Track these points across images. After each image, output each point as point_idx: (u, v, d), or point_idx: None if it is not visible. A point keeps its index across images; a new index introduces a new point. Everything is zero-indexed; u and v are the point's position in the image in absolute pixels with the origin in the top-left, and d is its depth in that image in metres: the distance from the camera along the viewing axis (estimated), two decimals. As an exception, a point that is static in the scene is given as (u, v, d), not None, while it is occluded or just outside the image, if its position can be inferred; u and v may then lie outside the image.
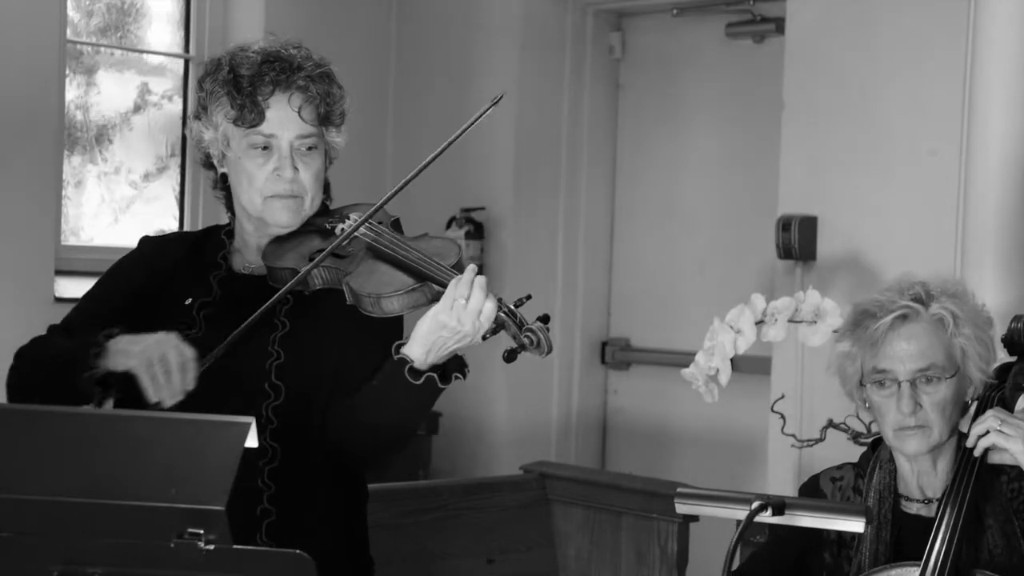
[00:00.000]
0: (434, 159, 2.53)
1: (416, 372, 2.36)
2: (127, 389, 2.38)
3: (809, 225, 4.49)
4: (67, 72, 5.10)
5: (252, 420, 1.82)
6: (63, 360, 2.41)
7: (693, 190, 5.53)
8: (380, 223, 2.56)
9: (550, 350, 2.32)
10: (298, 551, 1.79)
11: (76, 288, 4.83)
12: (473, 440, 5.51)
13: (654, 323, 5.63)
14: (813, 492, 2.70)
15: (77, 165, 5.24)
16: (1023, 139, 4.05)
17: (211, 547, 1.76)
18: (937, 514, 2.47)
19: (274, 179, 2.50)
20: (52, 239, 4.95)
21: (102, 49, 5.30)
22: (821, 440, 3.27)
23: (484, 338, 2.33)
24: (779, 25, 5.01)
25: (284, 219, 2.53)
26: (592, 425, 5.76)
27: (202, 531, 1.76)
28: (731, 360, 3.26)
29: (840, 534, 2.61)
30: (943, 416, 2.53)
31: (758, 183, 5.11)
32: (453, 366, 2.41)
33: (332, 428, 2.46)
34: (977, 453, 2.44)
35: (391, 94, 5.80)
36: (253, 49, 2.54)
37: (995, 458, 2.45)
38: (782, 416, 3.32)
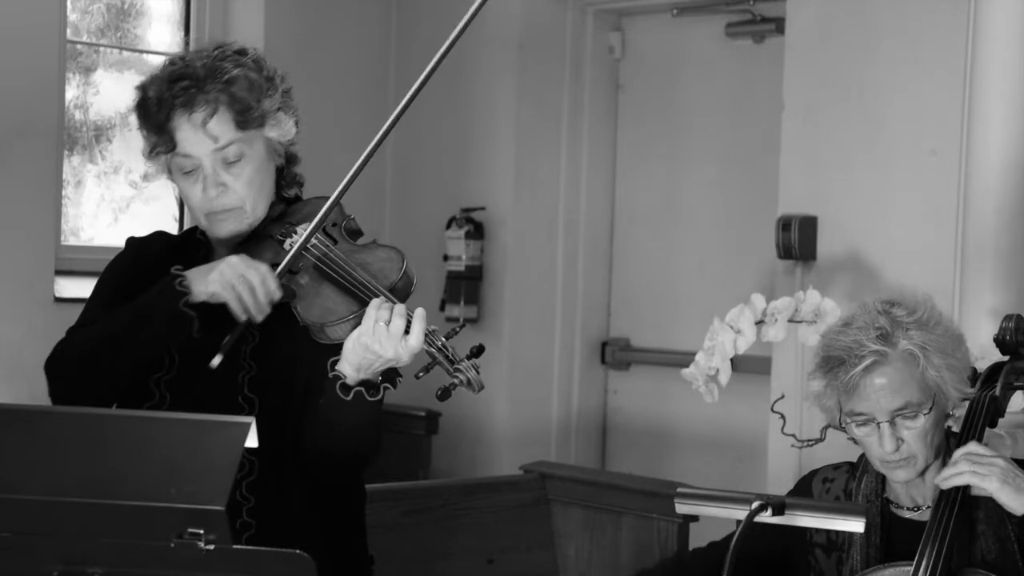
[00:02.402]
0: (423, 84, 2.49)
1: (347, 388, 2.34)
2: (205, 320, 2.42)
3: (809, 225, 4.49)
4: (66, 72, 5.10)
5: (252, 420, 1.81)
6: (149, 305, 2.42)
7: (693, 190, 5.53)
8: (335, 225, 2.53)
9: (481, 388, 2.29)
10: (298, 551, 1.79)
11: (76, 288, 4.83)
12: (473, 440, 5.51)
13: (654, 323, 5.63)
14: (804, 490, 2.71)
15: (76, 165, 5.24)
16: (1023, 139, 4.05)
17: (211, 547, 1.76)
18: (929, 520, 2.47)
19: (205, 198, 2.48)
20: (52, 239, 4.95)
21: (101, 49, 5.30)
22: (821, 440, 3.26)
23: (418, 376, 2.31)
24: (779, 25, 5.01)
25: (225, 230, 2.51)
26: (592, 425, 5.76)
27: (202, 531, 1.76)
28: (731, 360, 3.27)
29: (828, 537, 2.62)
30: (925, 444, 2.52)
31: (758, 183, 5.11)
32: (384, 377, 2.38)
33: (301, 441, 2.46)
34: (944, 486, 2.43)
35: (391, 94, 5.79)
36: (167, 64, 2.50)
37: (975, 491, 2.44)
38: (782, 416, 3.32)
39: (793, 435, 3.34)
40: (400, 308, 2.31)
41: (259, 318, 2.39)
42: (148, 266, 2.58)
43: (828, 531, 2.60)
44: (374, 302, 2.33)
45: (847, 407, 2.54)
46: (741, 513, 2.39)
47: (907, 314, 2.54)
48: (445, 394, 2.27)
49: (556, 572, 3.77)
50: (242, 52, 2.52)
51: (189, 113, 2.44)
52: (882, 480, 2.62)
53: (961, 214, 4.17)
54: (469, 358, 2.29)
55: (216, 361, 2.37)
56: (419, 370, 2.32)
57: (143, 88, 2.50)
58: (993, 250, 4.08)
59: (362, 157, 2.49)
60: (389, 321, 2.29)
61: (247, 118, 2.46)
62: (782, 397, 3.52)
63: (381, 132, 2.52)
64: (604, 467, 5.69)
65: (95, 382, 2.44)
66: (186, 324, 2.41)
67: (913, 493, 2.60)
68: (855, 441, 2.93)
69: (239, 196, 2.48)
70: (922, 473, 2.56)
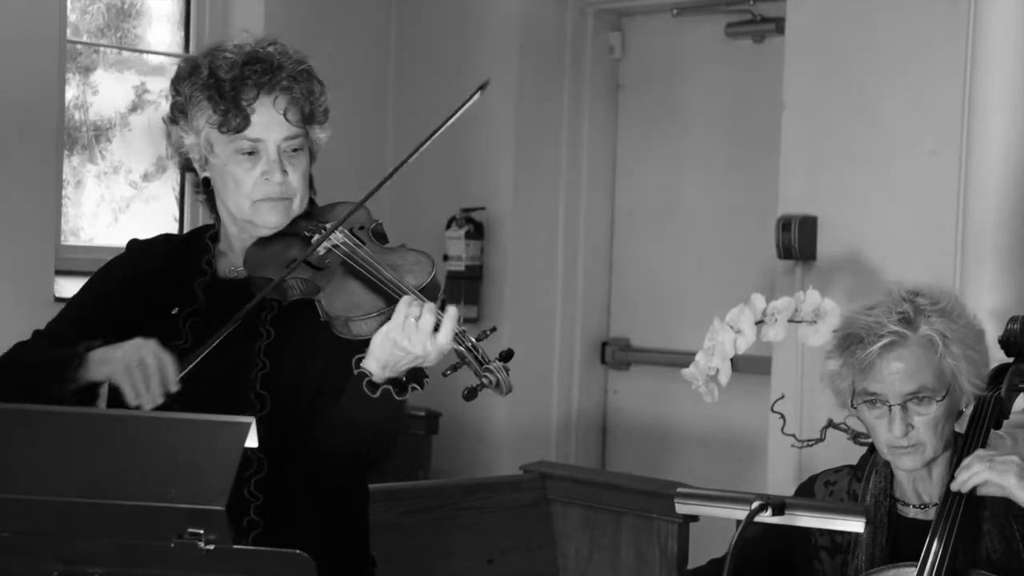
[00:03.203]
0: (414, 153, 2.49)
1: (373, 386, 2.32)
2: (110, 397, 2.39)
3: (809, 225, 4.49)
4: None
5: (252, 420, 1.81)
6: (44, 371, 2.40)
7: (693, 190, 5.52)
8: (362, 227, 2.53)
9: (509, 390, 2.25)
10: (298, 551, 1.79)
11: (76, 288, 4.81)
12: (473, 440, 5.51)
13: (654, 323, 5.63)
14: (806, 495, 2.69)
15: (76, 165, 5.24)
16: (1023, 139, 4.05)
17: (211, 547, 1.76)
18: (934, 518, 2.47)
19: (263, 183, 2.47)
20: (52, 239, 4.95)
21: (101, 49, 5.30)
22: (821, 440, 3.26)
23: (445, 374, 2.29)
24: (779, 25, 5.01)
25: (273, 220, 2.50)
26: (592, 425, 5.76)
27: (202, 531, 1.76)
28: (731, 360, 3.26)
29: (833, 539, 2.61)
30: (935, 433, 2.51)
31: (758, 183, 5.11)
32: (411, 377, 2.36)
33: (312, 439, 2.44)
34: (964, 489, 2.42)
35: (391, 94, 5.79)
36: (230, 49, 2.49)
37: (982, 491, 2.43)
38: (782, 416, 3.32)
39: (793, 435, 3.34)
40: (431, 305, 2.29)
41: (148, 407, 2.32)
42: (150, 271, 2.57)
43: (833, 533, 2.60)
44: (405, 298, 2.31)
45: (860, 386, 2.53)
46: (741, 513, 2.39)
47: (931, 303, 2.54)
48: (472, 394, 2.24)
49: (556, 572, 3.77)
50: (300, 58, 2.55)
51: (272, 97, 2.46)
52: (890, 480, 2.61)
53: (961, 214, 4.17)
54: (498, 360, 2.27)
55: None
56: (447, 368, 2.29)
57: (211, 67, 2.47)
58: (993, 250, 4.08)
59: (397, 166, 2.49)
60: (419, 317, 2.27)
61: (313, 113, 2.52)
62: (782, 397, 3.53)
63: (419, 145, 2.49)
64: (604, 467, 5.69)
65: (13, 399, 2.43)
66: (61, 403, 2.37)
67: (920, 489, 2.59)
68: (855, 441, 2.93)
69: (293, 187, 2.49)
70: (928, 465, 2.55)
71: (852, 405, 2.58)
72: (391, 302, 2.34)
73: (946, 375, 2.51)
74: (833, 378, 2.60)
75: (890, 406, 2.50)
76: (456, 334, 2.28)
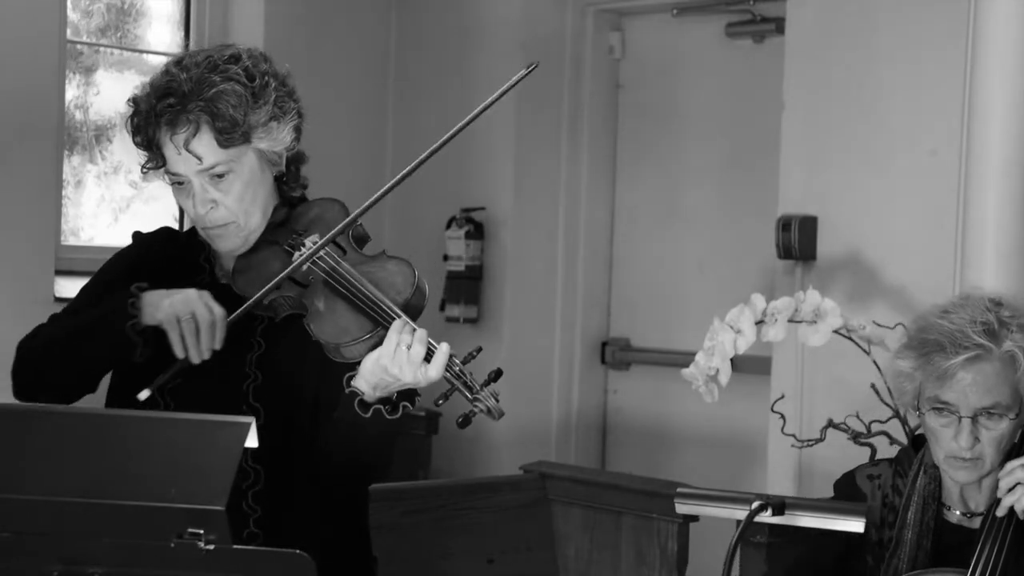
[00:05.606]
0: (439, 147, 2.47)
1: (365, 405, 2.32)
2: (156, 345, 2.38)
3: (809, 225, 4.48)
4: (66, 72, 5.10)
5: (252, 420, 1.81)
6: (97, 319, 2.40)
7: (693, 190, 5.52)
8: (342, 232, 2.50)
9: (501, 415, 2.26)
10: (298, 551, 1.79)
11: (76, 288, 4.80)
12: (473, 440, 5.50)
13: (654, 323, 5.62)
14: (849, 489, 2.67)
15: (76, 165, 5.24)
16: (1023, 139, 4.05)
17: (211, 547, 1.76)
18: (981, 527, 2.46)
19: (196, 214, 2.45)
20: (52, 239, 4.95)
21: (101, 49, 5.30)
22: (821, 440, 3.27)
23: (437, 404, 2.28)
24: (779, 25, 5.01)
25: (224, 247, 2.49)
26: (592, 425, 5.75)
27: (202, 531, 1.76)
28: (731, 360, 3.27)
29: (880, 536, 2.59)
30: (997, 449, 2.49)
31: (758, 183, 5.11)
32: (403, 396, 2.36)
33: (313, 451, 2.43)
34: (1018, 508, 2.40)
35: (391, 94, 5.79)
36: (170, 72, 2.43)
37: None
38: (782, 416, 3.33)
39: (793, 435, 3.35)
40: (421, 334, 2.29)
41: (196, 360, 2.33)
42: (152, 262, 2.56)
43: (880, 530, 2.58)
44: (396, 324, 2.30)
45: (931, 393, 2.49)
46: (741, 513, 2.39)
47: (1013, 316, 2.51)
48: (465, 422, 2.25)
49: (556, 572, 3.77)
50: (235, 59, 2.44)
51: (172, 133, 2.40)
52: (938, 482, 2.58)
53: (961, 214, 4.17)
54: (487, 383, 2.27)
55: (143, 395, 2.32)
56: (438, 397, 2.28)
57: (135, 102, 2.47)
58: (993, 250, 4.08)
59: (385, 188, 2.52)
60: (411, 346, 2.27)
61: (231, 136, 2.39)
62: (782, 397, 3.54)
63: (411, 167, 2.49)
64: (604, 467, 5.69)
65: (51, 379, 2.44)
66: (128, 348, 2.37)
67: (967, 496, 2.57)
68: (855, 440, 2.93)
69: (230, 211, 2.44)
70: (979, 479, 2.53)
71: (917, 408, 2.54)
72: (378, 324, 2.33)
73: (1021, 393, 2.48)
74: (901, 377, 2.55)
75: (960, 417, 2.46)
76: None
